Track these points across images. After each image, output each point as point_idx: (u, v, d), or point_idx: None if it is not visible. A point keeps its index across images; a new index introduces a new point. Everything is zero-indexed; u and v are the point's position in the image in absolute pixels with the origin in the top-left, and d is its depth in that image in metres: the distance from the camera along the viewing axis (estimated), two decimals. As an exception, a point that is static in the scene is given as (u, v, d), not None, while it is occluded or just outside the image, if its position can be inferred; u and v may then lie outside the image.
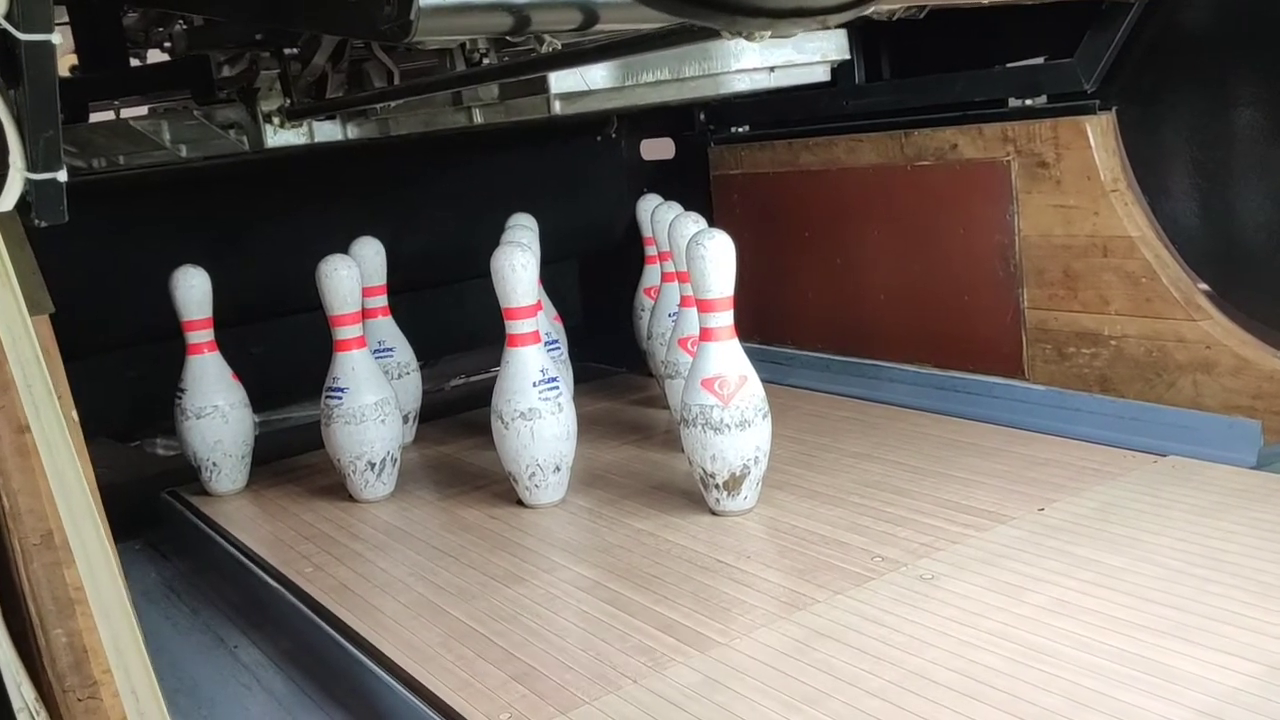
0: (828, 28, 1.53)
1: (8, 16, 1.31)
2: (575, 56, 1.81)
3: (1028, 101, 2.51)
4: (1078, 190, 2.40)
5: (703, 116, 3.38)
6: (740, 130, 3.28)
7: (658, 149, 3.64)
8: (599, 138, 3.57)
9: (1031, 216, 2.50)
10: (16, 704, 1.28)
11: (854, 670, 1.50)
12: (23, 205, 1.42)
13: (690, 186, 3.34)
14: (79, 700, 1.24)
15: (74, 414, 1.33)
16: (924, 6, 2.04)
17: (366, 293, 2.55)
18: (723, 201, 3.29)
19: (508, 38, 1.85)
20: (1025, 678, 1.44)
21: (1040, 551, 1.80)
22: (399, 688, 1.61)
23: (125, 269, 2.77)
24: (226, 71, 2.55)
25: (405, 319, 2.82)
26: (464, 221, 3.28)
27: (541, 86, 2.15)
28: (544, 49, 1.69)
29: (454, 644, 1.71)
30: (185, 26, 2.56)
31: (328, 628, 1.83)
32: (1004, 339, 2.58)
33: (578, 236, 3.52)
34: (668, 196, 2.94)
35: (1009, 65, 2.65)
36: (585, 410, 2.52)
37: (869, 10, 1.04)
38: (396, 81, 2.42)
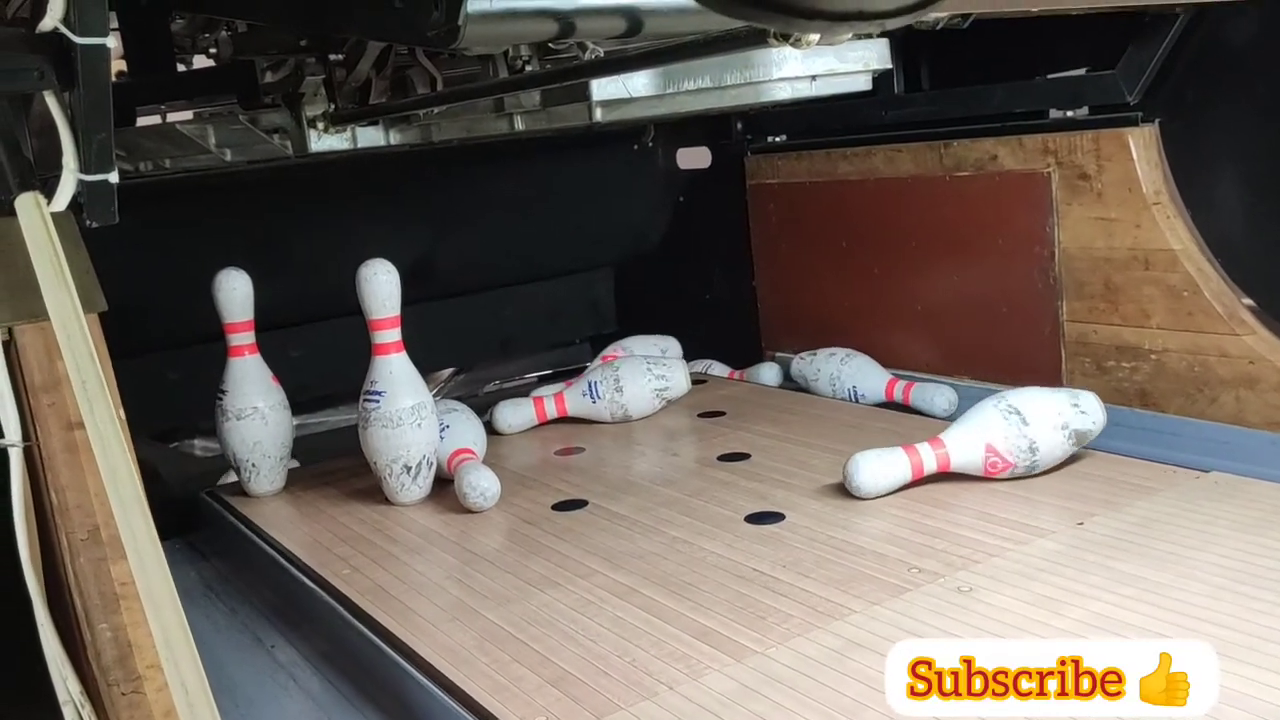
0: (886, 31, 1.53)
1: (64, 20, 1.34)
2: (618, 64, 1.81)
3: (1069, 113, 2.50)
4: (1119, 202, 2.38)
5: (739, 126, 3.37)
6: (777, 140, 3.28)
7: (694, 158, 3.64)
8: (635, 146, 3.58)
9: (1072, 229, 2.48)
10: (62, 696, 1.30)
11: (891, 681, 1.49)
12: (74, 206, 1.44)
13: (726, 196, 3.34)
14: (123, 695, 1.26)
15: (121, 413, 1.35)
16: (968, 15, 2.03)
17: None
18: (759, 211, 3.29)
19: (551, 44, 1.86)
20: (1065, 692, 1.43)
21: (1080, 566, 1.79)
22: (435, 690, 1.62)
23: (168, 271, 2.81)
24: (271, 77, 2.58)
25: (441, 325, 2.84)
26: (501, 228, 3.30)
27: (583, 93, 2.15)
28: (587, 56, 1.70)
29: (490, 647, 1.71)
30: (230, 32, 2.59)
31: (364, 629, 1.84)
32: (1043, 352, 2.56)
33: (613, 244, 3.53)
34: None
35: (1050, 76, 2.63)
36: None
37: (927, 16, 1.04)
38: (439, 88, 2.44)
